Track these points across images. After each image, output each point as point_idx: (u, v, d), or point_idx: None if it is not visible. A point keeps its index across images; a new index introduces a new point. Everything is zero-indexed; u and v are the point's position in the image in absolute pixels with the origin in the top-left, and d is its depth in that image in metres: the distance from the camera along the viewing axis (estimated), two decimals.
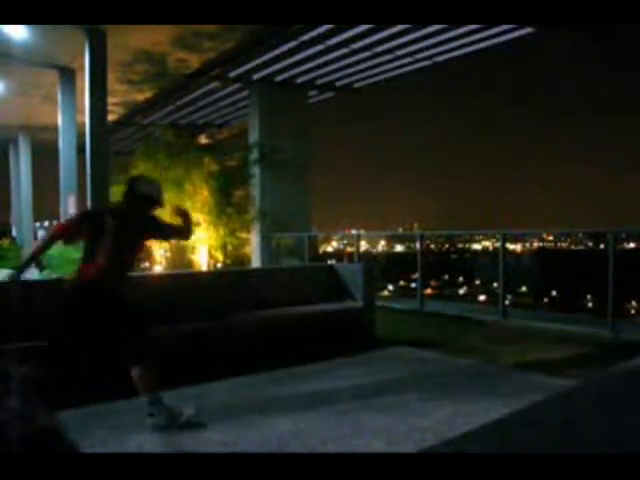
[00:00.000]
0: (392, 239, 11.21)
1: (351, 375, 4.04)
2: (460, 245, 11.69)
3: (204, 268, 10.23)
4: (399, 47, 9.43)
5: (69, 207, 9.86)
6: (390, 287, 10.15)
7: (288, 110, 11.30)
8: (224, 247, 10.54)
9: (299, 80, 11.22)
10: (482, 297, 9.06)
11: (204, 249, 10.43)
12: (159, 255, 11.09)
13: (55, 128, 10.48)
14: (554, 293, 10.16)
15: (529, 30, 8.55)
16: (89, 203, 8.14)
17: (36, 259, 3.14)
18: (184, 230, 3.44)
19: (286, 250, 10.94)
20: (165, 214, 3.52)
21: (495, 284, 6.99)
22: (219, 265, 10.55)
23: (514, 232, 7.62)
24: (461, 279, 11.87)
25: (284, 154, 10.72)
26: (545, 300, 9.82)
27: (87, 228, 3.10)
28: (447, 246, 11.64)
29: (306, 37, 8.89)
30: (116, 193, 9.84)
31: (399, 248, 11.02)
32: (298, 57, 9.90)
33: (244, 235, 11.04)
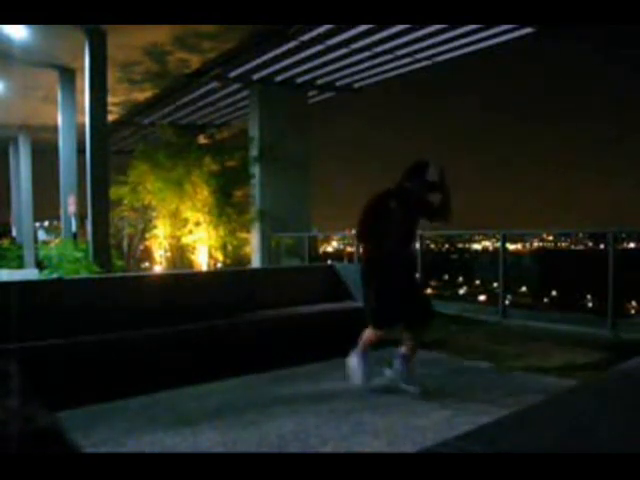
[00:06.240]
0: None
1: None
2: (460, 245, 11.67)
3: (204, 268, 10.23)
4: (399, 47, 9.43)
5: (69, 207, 9.85)
6: None
7: (288, 110, 11.30)
8: (224, 247, 10.54)
9: (299, 80, 11.22)
10: (482, 297, 9.04)
11: (204, 249, 10.43)
12: (159, 255, 11.10)
13: (55, 128, 10.46)
14: (554, 293, 10.14)
15: (529, 30, 8.55)
16: (89, 203, 8.13)
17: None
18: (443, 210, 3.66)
19: (286, 250, 10.94)
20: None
21: (495, 284, 6.98)
22: (219, 265, 10.55)
23: (514, 232, 7.61)
24: (461, 279, 11.85)
25: (284, 154, 10.72)
26: (545, 300, 9.80)
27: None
28: (447, 246, 11.63)
29: (306, 37, 8.89)
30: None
31: None
32: (298, 57, 9.89)
33: (244, 235, 11.04)
